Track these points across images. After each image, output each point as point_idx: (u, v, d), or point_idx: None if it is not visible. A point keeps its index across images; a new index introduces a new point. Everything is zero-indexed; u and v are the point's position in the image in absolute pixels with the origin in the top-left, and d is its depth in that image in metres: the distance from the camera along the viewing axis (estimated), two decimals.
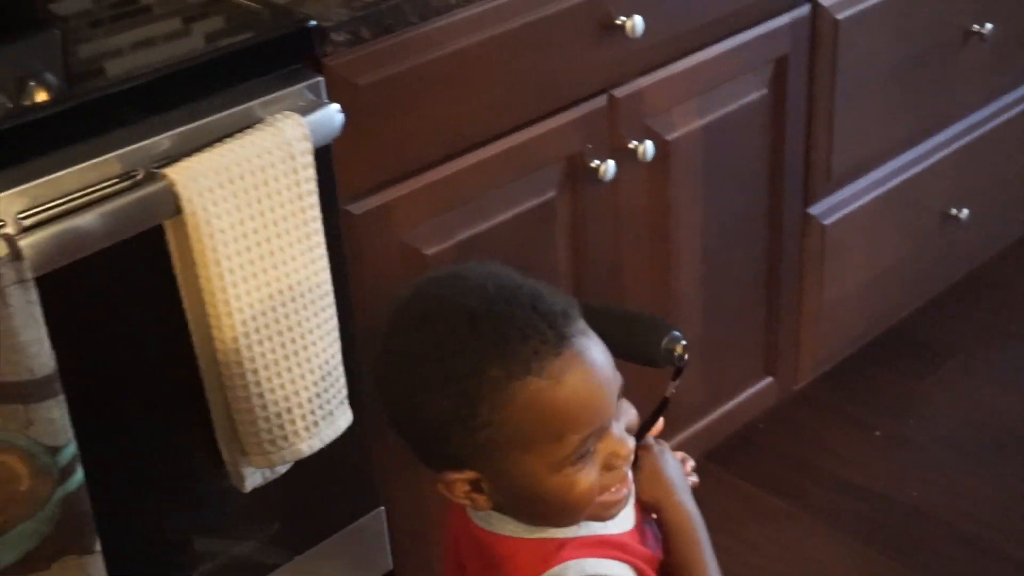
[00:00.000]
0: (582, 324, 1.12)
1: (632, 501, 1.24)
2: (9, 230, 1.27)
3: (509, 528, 1.17)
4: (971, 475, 2.38)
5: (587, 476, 1.12)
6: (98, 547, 1.36)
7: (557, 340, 1.09)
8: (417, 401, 1.10)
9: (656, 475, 1.26)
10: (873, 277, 2.44)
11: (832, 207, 2.30)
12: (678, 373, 1.25)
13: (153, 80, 1.39)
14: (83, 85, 1.34)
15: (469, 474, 1.12)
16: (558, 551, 1.15)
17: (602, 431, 1.12)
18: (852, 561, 2.22)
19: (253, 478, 1.55)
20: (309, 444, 1.52)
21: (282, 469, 1.57)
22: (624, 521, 1.22)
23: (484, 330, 1.08)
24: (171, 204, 1.36)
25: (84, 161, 1.34)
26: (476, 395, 1.07)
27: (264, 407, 1.47)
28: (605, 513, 1.17)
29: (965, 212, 2.55)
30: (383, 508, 1.77)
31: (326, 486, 1.68)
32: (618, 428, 1.14)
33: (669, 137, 1.95)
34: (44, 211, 1.31)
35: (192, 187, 1.35)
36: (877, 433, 2.49)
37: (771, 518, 2.32)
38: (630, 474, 1.19)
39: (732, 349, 2.26)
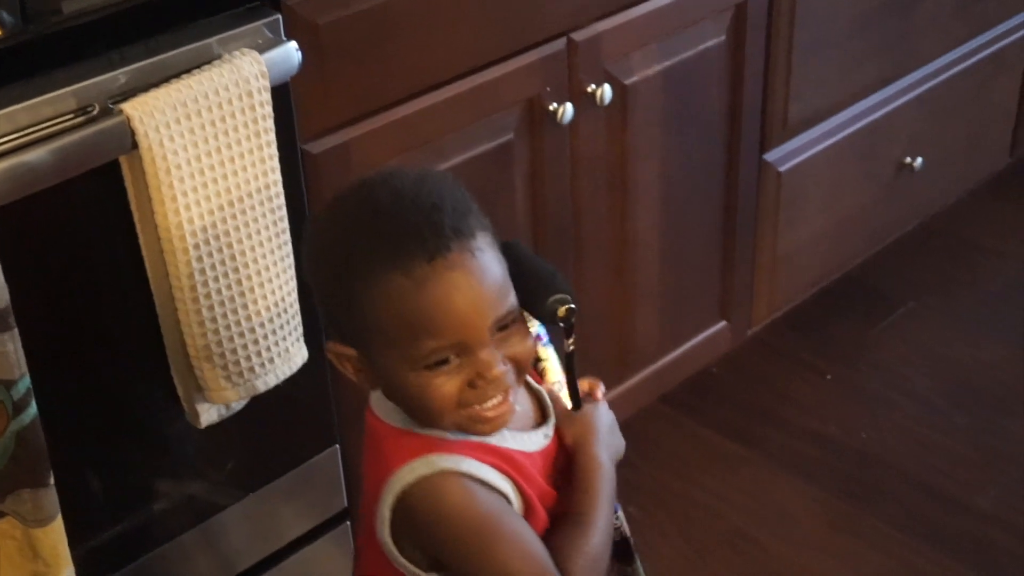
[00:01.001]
0: (476, 245, 1.16)
1: (550, 433, 1.30)
2: None
3: (398, 419, 1.23)
4: (922, 421, 2.41)
5: (443, 384, 1.17)
6: (51, 480, 1.37)
7: (433, 249, 1.13)
8: (317, 271, 1.21)
9: (584, 423, 1.33)
10: (828, 224, 2.46)
11: (788, 154, 2.31)
12: (568, 333, 1.27)
13: (111, 15, 1.39)
14: (40, 21, 1.32)
15: (350, 351, 1.20)
16: (434, 446, 1.20)
17: (466, 348, 1.16)
18: (807, 504, 2.26)
19: (208, 415, 1.55)
20: (264, 380, 1.53)
21: (237, 406, 1.58)
22: (526, 442, 1.27)
23: (381, 225, 1.15)
24: (127, 139, 1.36)
25: (39, 95, 1.33)
26: (354, 283, 1.15)
27: (219, 343, 1.47)
28: (474, 427, 1.20)
29: (919, 161, 2.57)
30: (338, 446, 1.78)
31: (281, 424, 1.69)
32: (491, 353, 1.17)
33: (627, 81, 1.96)
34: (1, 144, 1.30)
35: (148, 122, 1.35)
36: (828, 377, 2.53)
37: (726, 462, 2.35)
38: (517, 401, 1.24)
39: (688, 294, 2.28)
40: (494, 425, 1.21)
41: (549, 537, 1.25)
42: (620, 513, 1.41)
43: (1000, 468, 2.31)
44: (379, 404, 1.25)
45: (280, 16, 1.51)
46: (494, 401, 1.19)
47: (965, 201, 2.89)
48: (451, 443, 1.21)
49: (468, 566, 1.21)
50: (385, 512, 1.21)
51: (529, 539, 1.22)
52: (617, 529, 1.39)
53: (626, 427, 1.42)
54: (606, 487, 1.30)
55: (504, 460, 1.23)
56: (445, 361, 1.16)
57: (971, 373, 2.53)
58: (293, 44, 1.49)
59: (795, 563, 2.15)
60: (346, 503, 1.83)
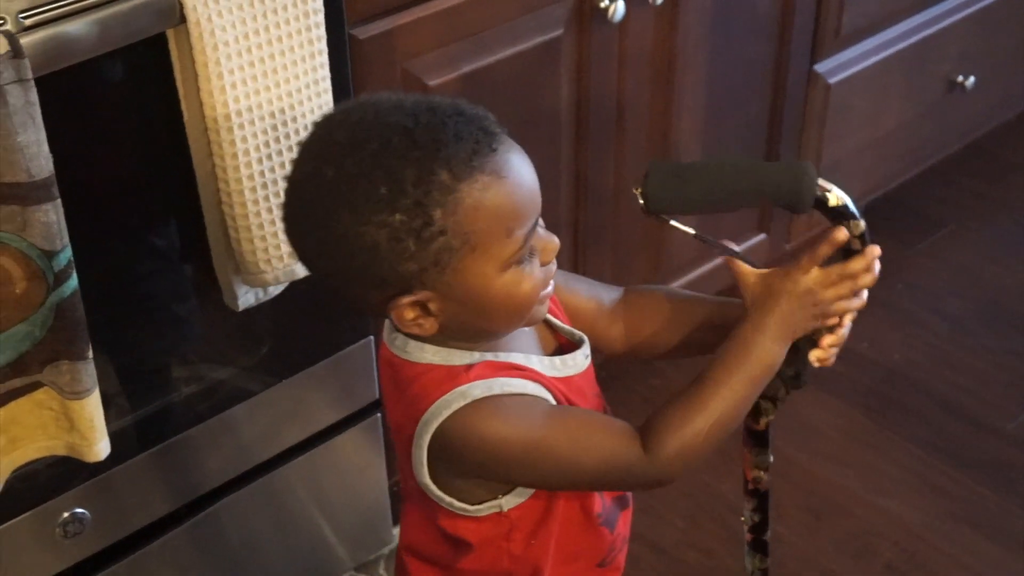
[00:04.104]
0: (498, 123, 1.13)
1: (589, 352, 1.25)
2: (9, 27, 1.25)
3: (422, 355, 1.18)
4: (954, 342, 2.40)
5: (531, 273, 1.13)
6: (90, 354, 1.36)
7: (489, 137, 1.09)
8: (359, 228, 1.07)
9: (767, 286, 1.20)
10: (872, 141, 2.43)
11: (839, 66, 2.27)
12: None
13: None
14: None
15: (421, 294, 1.11)
16: (467, 372, 1.16)
17: (533, 229, 1.13)
18: (829, 418, 2.25)
19: (246, 298, 1.55)
20: (303, 266, 1.51)
21: (275, 291, 1.57)
22: (558, 367, 1.22)
23: (421, 139, 1.07)
24: (175, 12, 1.34)
25: None
26: (428, 202, 1.06)
27: (260, 225, 1.46)
28: (537, 313, 1.17)
29: (971, 80, 2.52)
30: (372, 338, 1.77)
31: (317, 312, 1.68)
32: (544, 230, 1.15)
33: None
34: (47, 11, 1.28)
35: None
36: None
37: None
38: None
39: None
40: (548, 306, 1.19)
41: (656, 409, 1.19)
42: (766, 402, 1.31)
43: None
44: (401, 343, 1.19)
45: None
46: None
47: (1012, 124, 2.84)
48: (484, 364, 1.16)
49: (539, 478, 1.18)
50: (421, 454, 1.16)
51: (594, 426, 1.18)
52: (762, 416, 1.32)
53: None
54: (744, 361, 1.18)
55: (532, 374, 1.19)
56: (529, 249, 1.13)
57: (1006, 297, 2.51)
58: None
59: (813, 473, 2.15)
60: (377, 394, 1.83)
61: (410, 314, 1.12)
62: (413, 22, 1.65)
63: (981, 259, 2.62)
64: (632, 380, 2.25)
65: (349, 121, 1.10)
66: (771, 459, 1.37)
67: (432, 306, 1.12)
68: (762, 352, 1.19)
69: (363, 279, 1.11)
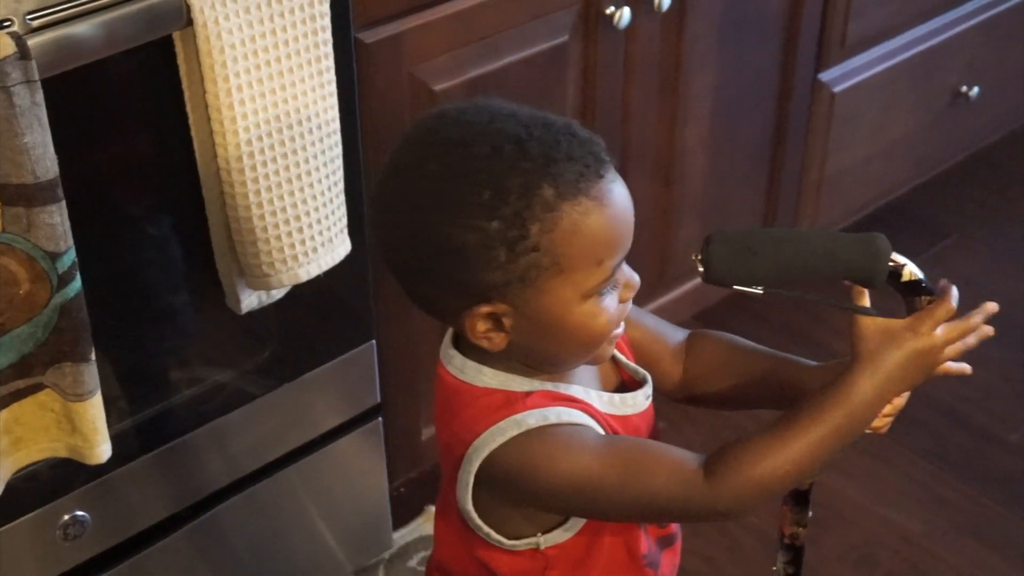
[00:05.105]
0: (607, 150, 1.12)
1: (651, 393, 1.23)
2: (16, 29, 1.25)
3: (480, 377, 1.16)
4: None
5: (610, 306, 1.12)
6: (93, 356, 1.36)
7: (598, 163, 1.08)
8: (453, 228, 1.06)
9: (880, 339, 1.16)
10: (878, 150, 2.42)
11: (844, 75, 2.27)
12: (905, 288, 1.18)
13: None
14: None
15: (498, 307, 1.09)
16: (524, 399, 1.14)
17: (620, 263, 1.12)
18: None
19: (249, 301, 1.54)
20: (307, 269, 1.52)
21: (278, 294, 1.57)
22: (617, 405, 1.20)
23: (532, 152, 1.06)
24: (182, 14, 1.34)
25: None
26: (527, 215, 1.05)
27: (264, 229, 1.46)
28: (605, 352, 1.16)
29: (976, 91, 2.52)
30: (374, 342, 1.77)
31: (320, 316, 1.68)
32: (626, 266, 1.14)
33: None
34: (53, 13, 1.28)
35: None
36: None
37: None
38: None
39: (731, 208, 2.25)
40: (615, 346, 1.18)
41: (738, 438, 1.13)
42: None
43: None
44: (460, 364, 1.17)
45: None
46: None
47: (1017, 134, 2.84)
48: (540, 393, 1.15)
49: (593, 510, 1.16)
50: (468, 478, 1.14)
51: (650, 455, 1.14)
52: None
53: None
54: (844, 406, 1.13)
55: (583, 406, 1.17)
56: (614, 281, 1.11)
57: (1011, 307, 2.49)
58: None
59: (816, 482, 2.14)
60: (379, 399, 1.82)
61: (483, 326, 1.11)
62: (420, 27, 1.65)
63: (986, 269, 2.61)
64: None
65: (462, 120, 1.10)
66: (810, 515, 1.35)
67: (506, 321, 1.10)
68: (865, 400, 1.14)
69: (445, 281, 1.10)
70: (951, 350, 1.18)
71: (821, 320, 2.46)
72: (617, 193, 1.09)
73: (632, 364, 1.26)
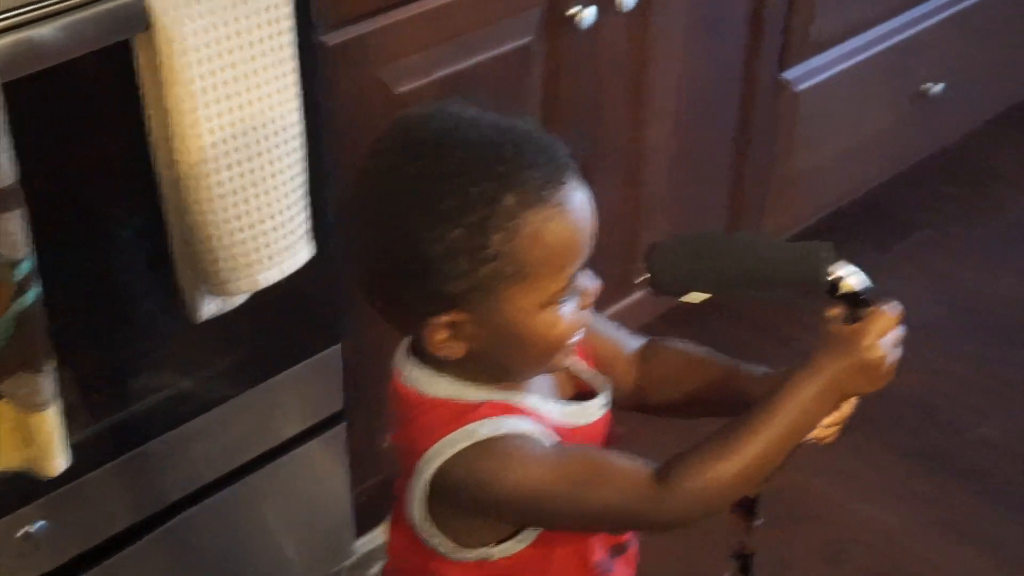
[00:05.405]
0: (570, 155, 1.11)
1: (606, 402, 1.23)
2: None
3: (434, 387, 1.16)
4: (932, 347, 2.39)
5: (568, 314, 1.12)
6: (51, 366, 1.34)
7: (560, 170, 1.08)
8: (416, 238, 1.07)
9: (834, 345, 1.15)
10: (845, 147, 2.43)
11: (808, 73, 2.27)
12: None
13: None
14: None
15: (458, 315, 1.09)
16: (476, 409, 1.14)
17: (579, 271, 1.11)
18: None
19: (208, 308, 1.53)
20: (267, 275, 1.50)
21: (238, 300, 1.55)
22: (568, 414, 1.20)
23: (493, 159, 1.06)
24: (142, 18, 1.32)
25: None
26: (490, 224, 1.05)
27: (223, 236, 1.44)
28: (560, 361, 1.16)
29: (942, 86, 2.52)
30: (340, 346, 1.76)
31: (284, 320, 1.66)
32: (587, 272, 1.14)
33: None
34: (8, 17, 1.26)
35: (165, 0, 1.31)
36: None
37: None
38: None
39: (697, 209, 2.25)
40: (573, 354, 1.17)
41: (686, 448, 1.13)
42: None
43: (1007, 397, 2.30)
44: (415, 374, 1.17)
45: None
46: None
47: (988, 130, 2.84)
48: (492, 404, 1.14)
49: (545, 519, 1.15)
50: (418, 490, 1.14)
51: (602, 464, 1.14)
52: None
53: None
54: (791, 409, 1.13)
55: (534, 416, 1.17)
56: (573, 288, 1.11)
57: (983, 302, 2.51)
58: None
59: (789, 479, 2.14)
60: (343, 404, 1.81)
61: (442, 335, 1.11)
62: (384, 28, 1.63)
63: (958, 264, 2.61)
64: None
65: (430, 127, 1.10)
66: (760, 521, 1.33)
67: (465, 330, 1.10)
68: (806, 408, 1.14)
69: (409, 286, 1.10)
70: (894, 359, 1.17)
71: (792, 316, 2.46)
72: (578, 200, 1.09)
73: (590, 371, 1.25)
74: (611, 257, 2.11)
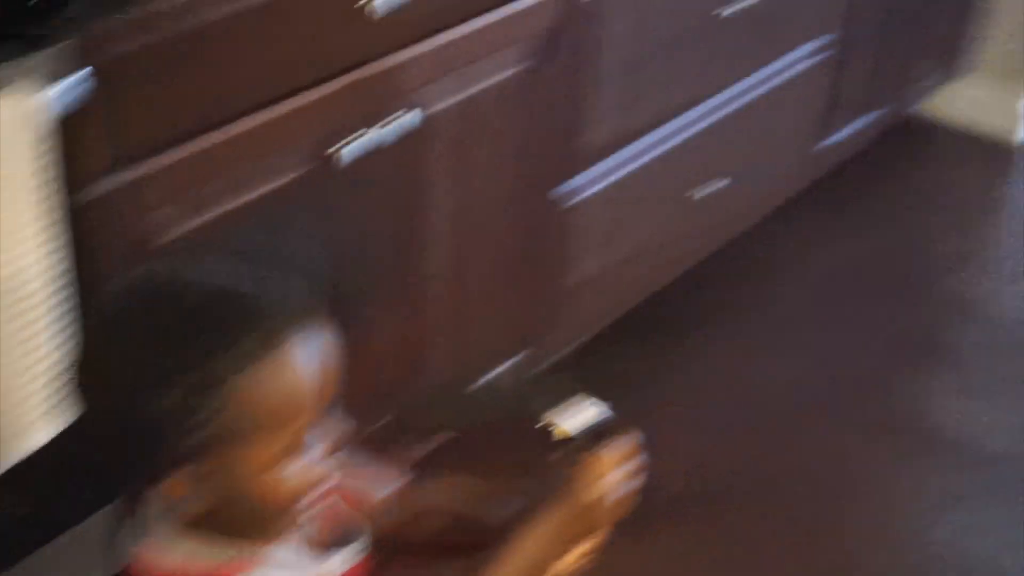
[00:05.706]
0: (303, 307, 1.11)
1: (364, 546, 1.23)
2: None
3: (171, 553, 1.14)
4: (707, 442, 2.42)
5: (300, 469, 1.11)
6: None
7: (276, 332, 1.08)
8: (144, 395, 1.06)
9: (561, 486, 1.18)
10: (621, 255, 2.46)
11: (577, 188, 2.30)
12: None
13: None
14: None
15: (190, 474, 1.09)
16: (219, 570, 1.13)
17: (318, 420, 1.11)
18: None
19: None
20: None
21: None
22: (322, 563, 1.20)
23: (216, 321, 1.07)
24: None
25: None
26: (202, 389, 1.05)
27: None
28: (300, 515, 1.15)
29: (716, 187, 2.58)
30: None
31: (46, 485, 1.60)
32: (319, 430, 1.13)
33: (421, 115, 1.91)
34: None
35: None
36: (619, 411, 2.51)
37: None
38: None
39: (484, 328, 2.26)
40: (317, 507, 1.16)
41: None
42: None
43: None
44: (151, 542, 1.15)
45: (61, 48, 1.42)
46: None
47: (761, 225, 2.92)
48: (231, 568, 1.13)
49: None
50: None
51: None
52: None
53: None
54: (511, 567, 1.17)
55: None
56: (301, 444, 1.11)
57: (764, 392, 2.56)
58: (72, 80, 1.43)
59: None
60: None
61: (178, 491, 1.10)
62: (142, 178, 1.60)
63: (738, 358, 2.67)
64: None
65: (150, 283, 1.11)
66: None
67: (199, 487, 1.09)
68: (538, 552, 1.17)
69: (150, 444, 1.08)
70: (616, 495, 1.19)
71: None
72: (299, 357, 1.09)
73: (349, 515, 1.25)
74: (397, 386, 2.10)
